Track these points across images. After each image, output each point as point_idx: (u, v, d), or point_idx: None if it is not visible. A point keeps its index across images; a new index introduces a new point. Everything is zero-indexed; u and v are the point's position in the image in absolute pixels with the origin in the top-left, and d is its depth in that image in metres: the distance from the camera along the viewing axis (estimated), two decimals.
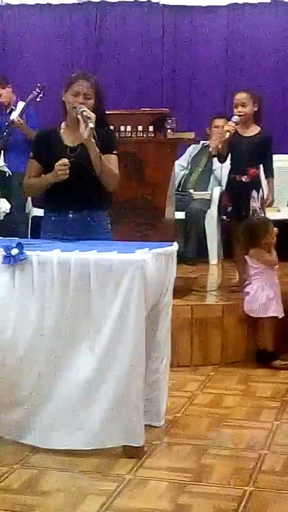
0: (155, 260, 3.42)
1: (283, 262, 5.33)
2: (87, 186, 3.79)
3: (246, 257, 5.10)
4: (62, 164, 3.73)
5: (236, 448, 3.61)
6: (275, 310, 4.96)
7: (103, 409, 3.34)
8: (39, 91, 6.48)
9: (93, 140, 3.70)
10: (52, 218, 3.92)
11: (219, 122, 6.83)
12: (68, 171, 3.73)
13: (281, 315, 4.99)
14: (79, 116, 3.72)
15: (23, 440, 3.46)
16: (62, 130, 3.92)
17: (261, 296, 4.98)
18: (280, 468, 3.36)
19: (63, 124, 3.93)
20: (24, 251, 3.39)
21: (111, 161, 3.84)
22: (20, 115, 6.57)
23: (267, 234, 5.02)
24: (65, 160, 3.74)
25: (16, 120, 6.51)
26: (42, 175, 3.88)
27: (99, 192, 3.83)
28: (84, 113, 3.71)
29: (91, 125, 3.68)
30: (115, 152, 3.89)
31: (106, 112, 4.08)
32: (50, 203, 3.94)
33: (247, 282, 5.09)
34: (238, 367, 4.91)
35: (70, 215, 3.85)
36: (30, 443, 3.45)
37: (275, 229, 5.09)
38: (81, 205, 3.83)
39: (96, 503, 2.99)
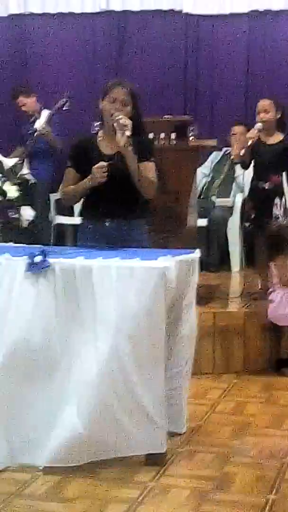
0: (177, 268, 3.42)
1: None
2: (125, 194, 3.78)
3: (271, 264, 5.09)
4: (100, 167, 3.72)
5: (259, 456, 3.61)
6: None
7: (125, 416, 3.35)
8: (66, 100, 6.50)
9: (129, 148, 3.71)
10: (89, 227, 3.91)
11: (237, 129, 6.84)
12: (106, 174, 3.72)
13: None
14: (115, 124, 3.72)
15: (37, 461, 3.40)
16: (99, 139, 3.91)
17: (286, 305, 4.96)
18: None
19: (100, 132, 3.93)
20: (47, 259, 3.41)
21: (148, 169, 3.81)
22: (46, 123, 6.60)
23: None
24: (103, 163, 3.72)
25: (41, 128, 6.54)
26: (80, 182, 3.87)
27: (137, 201, 3.82)
28: (121, 121, 3.69)
29: (128, 133, 3.67)
30: (152, 159, 3.86)
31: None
32: (87, 212, 3.94)
33: (271, 289, 5.08)
34: (260, 374, 4.89)
35: (107, 223, 3.84)
36: (48, 464, 3.38)
37: None
38: (119, 213, 3.81)
39: (119, 510, 3.01)
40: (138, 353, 3.30)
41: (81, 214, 4.03)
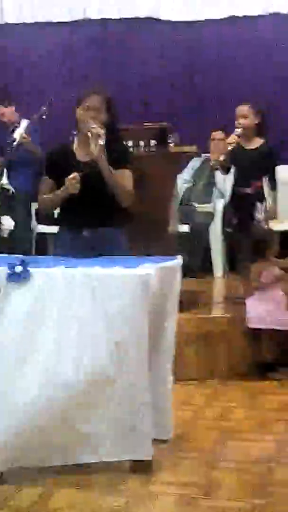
0: (159, 275, 3.42)
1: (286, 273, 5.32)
2: (101, 202, 3.78)
3: (252, 267, 5.11)
4: (73, 179, 3.72)
5: (245, 461, 3.59)
6: (273, 323, 4.94)
7: (110, 423, 3.34)
8: (45, 109, 6.49)
9: (103, 157, 3.70)
10: (66, 237, 3.91)
11: (216, 135, 6.89)
12: (78, 185, 3.72)
13: (283, 327, 4.96)
14: (89, 134, 3.72)
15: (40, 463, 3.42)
16: (75, 146, 3.91)
17: (258, 308, 4.98)
18: None
19: (75, 140, 3.93)
20: (28, 268, 3.39)
21: (124, 176, 3.83)
22: (25, 132, 6.59)
23: (273, 246, 5.03)
24: (75, 174, 3.73)
25: (20, 137, 6.52)
26: (55, 191, 3.86)
27: (114, 208, 3.82)
28: (94, 130, 3.70)
29: (101, 142, 3.68)
30: (128, 167, 3.87)
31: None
32: (64, 220, 3.93)
33: (251, 293, 5.09)
34: (244, 379, 4.89)
35: (84, 232, 3.84)
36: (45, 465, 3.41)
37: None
38: (96, 222, 3.81)
39: None
40: (121, 361, 3.29)
41: (57, 222, 4.01)
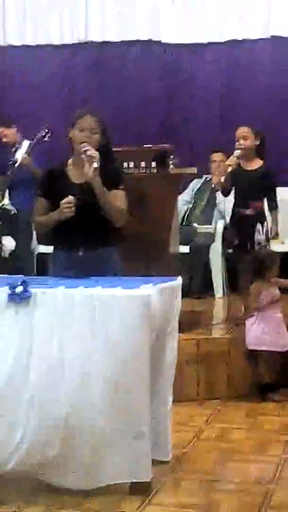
0: (159, 295, 3.43)
1: (286, 295, 5.34)
2: (95, 223, 3.80)
3: (251, 288, 5.12)
4: (67, 202, 3.75)
5: (244, 482, 3.59)
6: (271, 344, 4.95)
7: (109, 445, 3.33)
8: (47, 130, 6.53)
9: (97, 178, 3.74)
10: (61, 256, 3.92)
11: (216, 156, 6.93)
12: (73, 208, 3.74)
13: (281, 349, 4.97)
14: (83, 156, 3.75)
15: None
16: (69, 167, 3.94)
17: (256, 329, 4.98)
18: None
19: (70, 161, 3.95)
20: (28, 289, 3.41)
21: (118, 197, 3.85)
22: (27, 153, 6.62)
23: (274, 266, 5.05)
24: (70, 198, 3.74)
25: (22, 158, 6.56)
26: (50, 213, 3.89)
27: (108, 229, 3.84)
28: (88, 152, 3.73)
29: (95, 164, 3.71)
30: (121, 187, 3.90)
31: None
32: (58, 241, 3.94)
33: (250, 314, 5.10)
34: (245, 400, 4.89)
35: (80, 253, 3.85)
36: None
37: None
38: (90, 242, 3.82)
39: None
40: (122, 381, 3.29)
41: (52, 243, 4.04)
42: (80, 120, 3.84)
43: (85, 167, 3.73)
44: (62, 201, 3.74)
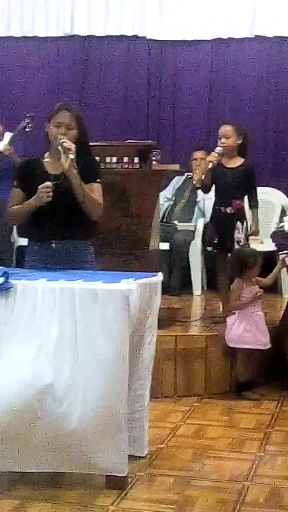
0: (140, 290, 3.44)
1: (267, 294, 5.36)
2: (70, 214, 3.81)
3: (232, 286, 5.14)
4: (45, 187, 3.76)
5: (220, 479, 3.61)
6: (253, 342, 4.97)
7: (86, 437, 3.33)
8: (28, 121, 6.52)
9: (74, 170, 3.75)
10: (35, 248, 3.93)
11: (197, 154, 6.94)
12: (51, 194, 3.75)
13: (263, 347, 5.00)
14: (59, 148, 3.77)
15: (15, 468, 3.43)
16: (45, 160, 3.95)
17: (238, 327, 5.00)
18: (263, 500, 3.37)
19: (46, 154, 3.97)
20: (9, 280, 3.40)
21: (95, 190, 3.87)
22: (9, 144, 6.59)
23: (255, 266, 5.07)
24: (48, 183, 3.76)
25: (4, 149, 6.53)
26: (26, 201, 3.88)
27: (83, 221, 3.85)
28: (64, 144, 3.75)
29: (72, 156, 3.72)
30: (98, 180, 3.92)
31: (93, 144, 4.13)
32: (33, 232, 3.95)
33: (231, 312, 5.12)
34: (221, 398, 4.91)
35: (53, 245, 3.87)
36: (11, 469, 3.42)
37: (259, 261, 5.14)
38: (65, 234, 3.85)
39: None
40: (100, 375, 3.29)
41: (27, 234, 4.03)
42: (56, 115, 3.87)
43: (61, 158, 3.75)
44: (40, 186, 3.75)
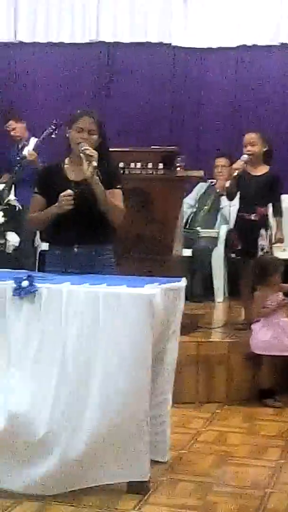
0: (163, 295, 3.45)
1: None
2: (91, 220, 3.84)
3: (256, 293, 5.13)
4: (67, 195, 3.78)
5: (241, 486, 3.60)
6: (280, 349, 4.96)
7: (109, 444, 3.34)
8: (54, 127, 6.55)
9: (96, 177, 3.77)
10: (57, 252, 3.95)
11: (219, 161, 6.96)
12: (72, 201, 3.77)
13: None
14: (82, 155, 3.78)
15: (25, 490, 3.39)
16: (66, 166, 3.97)
17: (264, 334, 4.99)
18: (285, 506, 3.36)
19: (67, 160, 3.99)
20: (34, 283, 3.42)
21: (115, 196, 3.89)
22: (34, 150, 6.63)
23: (277, 273, 5.06)
24: (69, 191, 3.79)
25: (28, 154, 6.57)
26: (47, 208, 3.91)
27: (104, 227, 3.88)
28: (87, 152, 3.77)
29: (94, 163, 3.74)
30: (119, 186, 3.94)
31: (117, 149, 4.15)
32: (54, 238, 3.97)
33: (256, 319, 5.10)
34: (243, 405, 4.89)
35: (75, 249, 3.89)
36: (24, 491, 3.38)
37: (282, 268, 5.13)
38: (86, 239, 3.86)
39: None
40: (123, 379, 3.30)
41: (47, 239, 4.05)
42: (78, 120, 3.89)
43: (83, 165, 3.77)
44: (62, 194, 3.78)
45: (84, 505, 3.28)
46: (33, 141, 6.75)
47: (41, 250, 7.00)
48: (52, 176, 3.97)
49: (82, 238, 3.86)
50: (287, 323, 5.05)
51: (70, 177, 3.91)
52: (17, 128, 6.93)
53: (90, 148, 3.79)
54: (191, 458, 3.94)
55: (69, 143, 3.93)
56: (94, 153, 3.77)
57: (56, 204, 3.81)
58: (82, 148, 3.78)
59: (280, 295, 5.07)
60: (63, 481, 3.36)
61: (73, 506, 3.27)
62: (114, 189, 3.90)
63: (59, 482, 3.35)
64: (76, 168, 3.89)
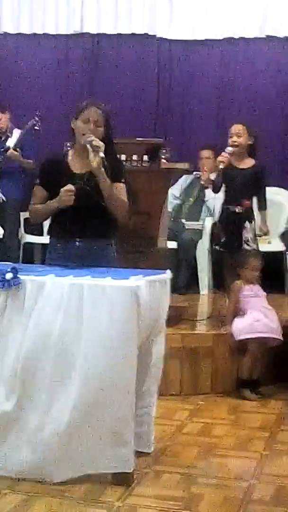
0: (148, 287, 3.44)
1: (275, 294, 5.37)
2: (94, 214, 3.79)
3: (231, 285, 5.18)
4: (68, 190, 3.73)
5: (225, 477, 3.61)
6: (265, 330, 4.97)
7: (93, 435, 3.34)
8: (37, 119, 6.52)
9: (102, 169, 3.73)
10: (58, 245, 3.91)
11: (204, 153, 6.95)
12: (73, 197, 3.73)
13: (277, 335, 5.00)
14: (88, 146, 3.73)
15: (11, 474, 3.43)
16: (69, 158, 3.93)
17: (248, 318, 5.01)
18: (269, 498, 3.37)
19: (70, 152, 3.95)
20: (18, 276, 3.40)
21: (120, 190, 3.84)
22: (17, 143, 6.60)
23: (250, 266, 5.09)
24: (70, 186, 3.74)
25: (9, 152, 6.54)
26: (48, 201, 3.87)
27: (106, 220, 3.84)
28: (94, 143, 3.71)
29: (101, 154, 3.70)
30: (123, 181, 3.89)
31: None
32: (56, 231, 3.93)
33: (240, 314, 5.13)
34: (227, 396, 4.92)
35: (77, 243, 3.85)
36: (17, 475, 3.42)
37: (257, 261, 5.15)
38: (88, 233, 3.82)
39: None
40: (108, 372, 3.29)
41: (49, 232, 4.02)
42: (85, 111, 3.82)
43: (90, 156, 3.71)
44: (63, 189, 3.74)
45: (68, 496, 3.27)
46: (16, 133, 6.72)
47: (25, 242, 6.99)
48: (55, 168, 3.90)
49: (84, 232, 3.82)
50: (271, 310, 5.07)
51: (73, 170, 3.87)
52: (1, 119, 6.89)
53: (96, 139, 3.73)
54: (176, 450, 3.94)
55: (74, 134, 3.87)
56: (101, 144, 3.72)
57: (56, 198, 3.77)
58: (89, 139, 3.73)
59: (255, 288, 5.08)
60: (46, 470, 3.36)
61: (57, 498, 3.27)
62: (119, 183, 3.85)
63: (47, 469, 3.36)
64: (79, 160, 3.84)
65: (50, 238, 3.99)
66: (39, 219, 4.09)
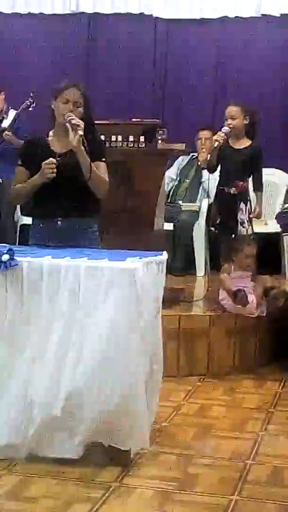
0: (145, 269, 3.43)
1: (272, 275, 5.38)
2: (75, 193, 3.82)
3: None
4: (49, 163, 3.76)
5: (222, 458, 3.62)
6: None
7: (96, 417, 3.33)
8: (31, 100, 6.49)
9: (82, 147, 3.75)
10: (40, 226, 3.94)
11: (203, 134, 6.94)
12: (55, 170, 3.76)
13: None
14: (68, 124, 3.77)
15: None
16: (50, 138, 3.96)
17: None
18: (265, 478, 3.39)
19: (51, 132, 3.98)
20: (15, 257, 3.39)
21: (100, 168, 3.88)
22: (12, 123, 6.57)
23: (241, 253, 5.10)
24: (52, 159, 3.78)
25: (5, 134, 6.51)
26: (30, 179, 3.88)
27: (88, 199, 3.87)
28: (73, 121, 3.76)
29: (80, 132, 3.73)
30: (103, 159, 3.92)
31: (98, 122, 4.13)
32: (38, 211, 3.96)
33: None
34: (224, 377, 4.93)
35: (59, 222, 3.87)
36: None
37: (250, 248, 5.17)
38: (70, 212, 3.85)
39: (82, 510, 3.01)
40: (108, 354, 3.29)
41: (31, 212, 4.03)
42: (65, 92, 3.86)
43: (69, 135, 3.76)
44: (44, 162, 3.76)
45: (66, 477, 3.29)
46: (11, 113, 6.69)
47: (22, 224, 6.97)
48: (36, 148, 3.94)
49: (65, 211, 3.84)
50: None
51: (54, 149, 3.90)
52: None
53: (75, 118, 3.77)
54: (172, 431, 3.96)
55: (54, 114, 3.90)
56: (80, 122, 3.76)
57: (39, 173, 3.79)
58: (68, 118, 3.76)
59: (244, 275, 5.12)
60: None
61: (55, 478, 3.28)
62: (99, 162, 3.88)
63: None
64: (60, 139, 3.88)
65: (32, 218, 4.02)
66: (21, 199, 4.13)
